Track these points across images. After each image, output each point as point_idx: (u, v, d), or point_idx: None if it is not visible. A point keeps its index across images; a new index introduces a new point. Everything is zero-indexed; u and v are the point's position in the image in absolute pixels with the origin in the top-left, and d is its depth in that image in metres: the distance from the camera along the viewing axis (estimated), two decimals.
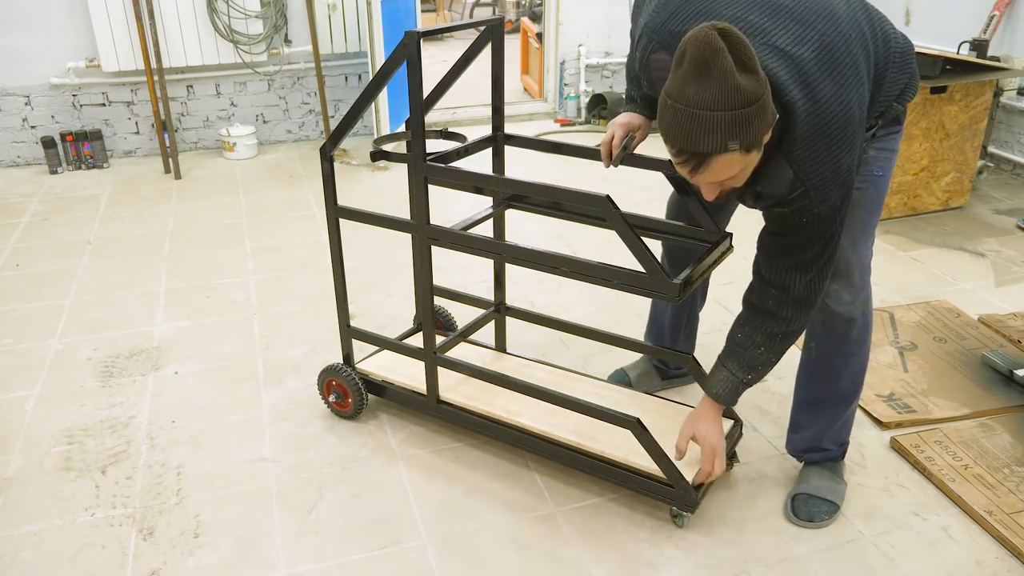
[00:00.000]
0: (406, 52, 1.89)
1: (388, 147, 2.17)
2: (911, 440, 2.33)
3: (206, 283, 3.36)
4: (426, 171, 2.02)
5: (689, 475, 1.99)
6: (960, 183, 4.03)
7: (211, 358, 2.82)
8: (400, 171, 4.64)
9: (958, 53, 4.24)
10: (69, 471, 2.26)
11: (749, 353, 1.86)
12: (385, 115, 4.68)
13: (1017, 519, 2.04)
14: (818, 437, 2.13)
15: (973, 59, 3.93)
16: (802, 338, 2.03)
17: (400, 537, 2.03)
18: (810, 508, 2.08)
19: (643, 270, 1.76)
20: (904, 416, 2.45)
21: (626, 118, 2.03)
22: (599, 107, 5.63)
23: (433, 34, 2.00)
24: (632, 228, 1.73)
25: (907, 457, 2.29)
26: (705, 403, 1.95)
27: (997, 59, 4.19)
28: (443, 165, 2.02)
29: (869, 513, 2.10)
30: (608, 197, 1.72)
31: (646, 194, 3.87)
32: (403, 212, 3.82)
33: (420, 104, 1.96)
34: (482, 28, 2.14)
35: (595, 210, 1.79)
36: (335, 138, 2.14)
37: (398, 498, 2.15)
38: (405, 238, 3.65)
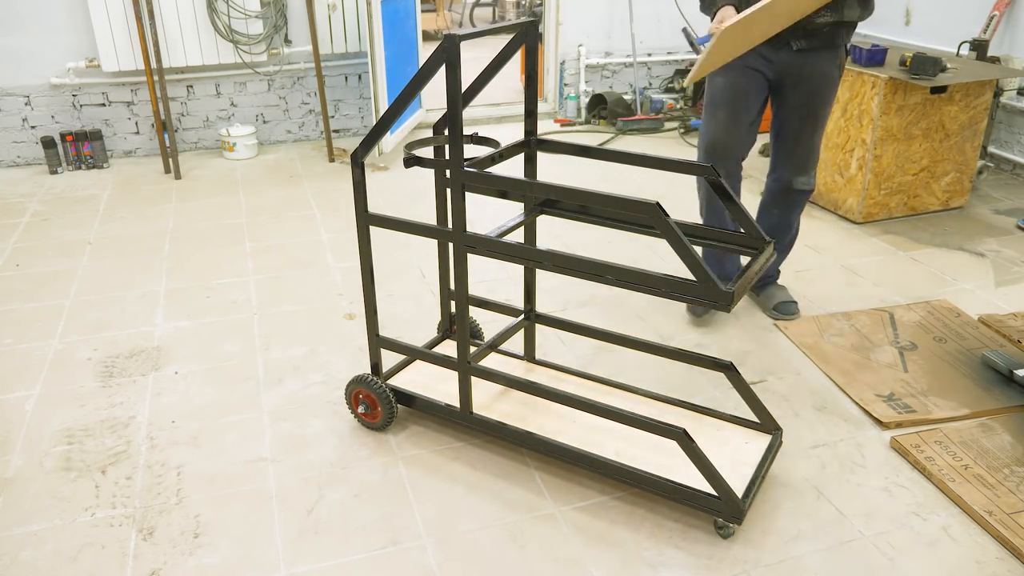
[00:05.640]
0: (446, 55, 1.85)
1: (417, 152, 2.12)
2: (911, 440, 2.33)
3: (206, 283, 3.36)
4: (464, 177, 1.97)
5: (738, 489, 1.98)
6: (960, 183, 4.03)
7: (211, 358, 2.82)
8: (399, 171, 4.65)
9: (958, 53, 4.25)
10: (69, 471, 2.26)
11: None
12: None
13: (1017, 519, 2.04)
14: (771, 271, 3.12)
15: (973, 59, 3.93)
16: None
17: (400, 537, 2.03)
18: (790, 306, 3.02)
19: (693, 278, 1.74)
20: (904, 416, 2.45)
21: (723, 14, 2.49)
22: (599, 107, 5.62)
23: (471, 37, 1.95)
24: (682, 236, 1.71)
25: (907, 457, 2.29)
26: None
27: (997, 59, 4.19)
28: (481, 171, 1.98)
29: (869, 513, 2.10)
30: (658, 204, 1.71)
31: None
32: (404, 212, 3.82)
33: (458, 109, 1.91)
34: (515, 31, 2.11)
35: (643, 217, 1.77)
36: (367, 144, 2.08)
37: (398, 498, 2.15)
38: (404, 238, 3.66)
